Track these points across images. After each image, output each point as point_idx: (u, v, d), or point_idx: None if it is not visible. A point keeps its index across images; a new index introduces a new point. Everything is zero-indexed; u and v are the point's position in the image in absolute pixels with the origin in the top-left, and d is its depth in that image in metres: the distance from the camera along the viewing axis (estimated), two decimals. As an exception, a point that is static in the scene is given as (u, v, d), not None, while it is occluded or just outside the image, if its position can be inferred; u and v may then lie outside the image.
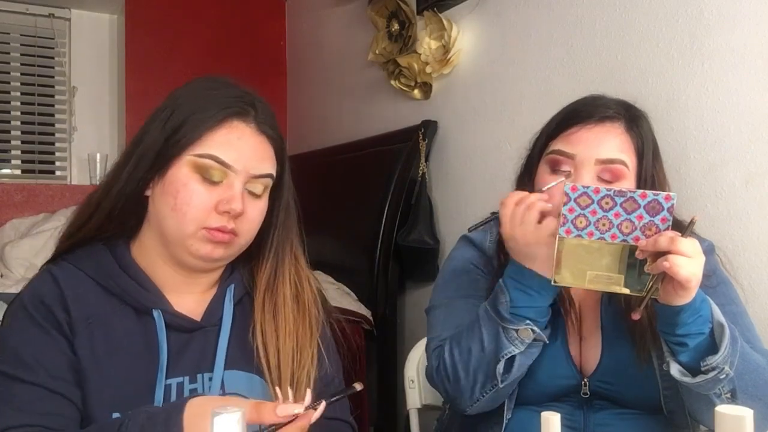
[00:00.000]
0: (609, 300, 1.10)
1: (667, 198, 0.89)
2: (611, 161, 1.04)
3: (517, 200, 1.01)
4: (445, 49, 2.16)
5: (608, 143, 1.05)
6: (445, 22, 2.15)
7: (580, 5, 1.75)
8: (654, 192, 0.90)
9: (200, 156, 0.88)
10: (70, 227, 0.95)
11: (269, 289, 0.98)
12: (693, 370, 0.92)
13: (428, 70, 2.23)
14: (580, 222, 0.92)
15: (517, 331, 1.00)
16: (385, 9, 2.44)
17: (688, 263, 0.85)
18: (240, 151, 0.89)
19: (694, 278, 0.86)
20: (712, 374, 0.89)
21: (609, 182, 1.04)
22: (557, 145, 1.08)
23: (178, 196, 0.88)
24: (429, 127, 2.26)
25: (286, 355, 0.94)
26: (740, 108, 1.38)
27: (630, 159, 1.06)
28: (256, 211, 0.93)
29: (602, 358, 1.07)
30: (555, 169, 1.08)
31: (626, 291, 0.93)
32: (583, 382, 1.07)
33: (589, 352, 1.09)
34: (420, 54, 2.26)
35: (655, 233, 0.89)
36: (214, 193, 0.89)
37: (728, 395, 0.93)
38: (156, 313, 0.90)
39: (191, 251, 0.90)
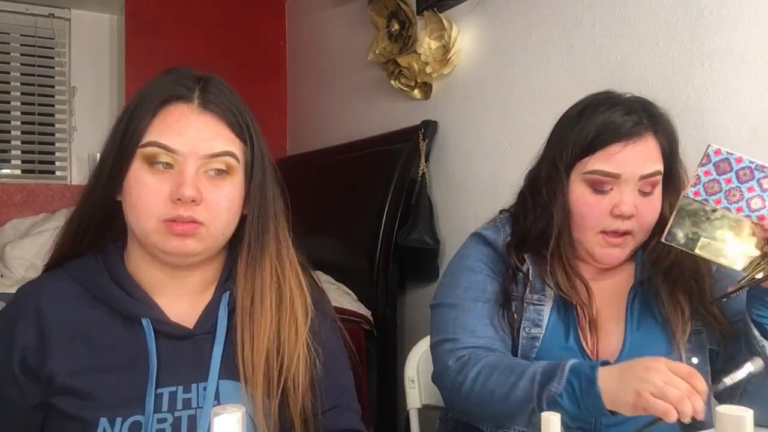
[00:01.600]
0: (635, 294, 1.11)
1: (739, 160, 0.89)
2: (652, 174, 1.07)
3: (694, 386, 0.84)
4: (445, 49, 2.16)
5: (648, 158, 1.07)
6: (445, 22, 2.15)
7: (580, 5, 1.75)
8: None
9: (144, 146, 0.85)
10: (54, 257, 0.94)
11: (247, 281, 0.92)
12: None
13: (428, 70, 2.23)
14: (712, 187, 0.91)
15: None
16: (385, 9, 2.44)
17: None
18: (182, 132, 0.85)
19: None
20: None
21: (648, 193, 1.07)
22: (598, 164, 1.07)
23: (132, 192, 0.86)
24: (429, 127, 2.26)
25: (260, 354, 0.89)
26: (740, 108, 1.39)
27: (662, 165, 1.09)
28: (219, 196, 0.87)
29: (623, 350, 1.07)
30: (597, 189, 1.08)
31: (731, 266, 0.93)
32: None
33: (608, 345, 1.09)
34: (420, 54, 2.26)
35: None
36: (167, 182, 0.85)
37: None
38: (145, 322, 0.88)
39: (159, 247, 0.87)
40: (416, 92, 2.34)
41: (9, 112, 3.14)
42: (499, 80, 2.04)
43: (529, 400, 0.96)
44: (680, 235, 0.94)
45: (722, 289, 1.03)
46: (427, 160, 2.26)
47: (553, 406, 0.94)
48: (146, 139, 0.85)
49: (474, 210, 2.07)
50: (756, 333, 0.96)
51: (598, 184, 1.07)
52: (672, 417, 0.82)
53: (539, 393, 0.95)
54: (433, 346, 1.15)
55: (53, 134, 3.24)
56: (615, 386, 0.88)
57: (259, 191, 0.92)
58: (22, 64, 3.17)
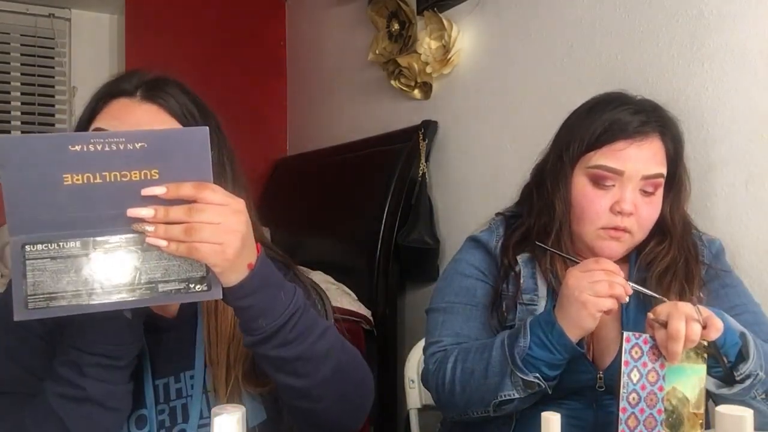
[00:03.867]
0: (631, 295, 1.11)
1: (645, 341, 0.93)
2: (655, 176, 1.07)
3: (607, 269, 0.97)
4: (445, 49, 2.16)
5: (653, 158, 1.08)
6: (445, 22, 2.15)
7: (580, 5, 1.75)
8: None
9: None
10: None
11: None
12: (727, 380, 0.94)
13: (428, 70, 2.23)
14: (652, 376, 0.93)
15: (523, 380, 0.99)
16: (385, 9, 2.44)
17: (686, 328, 0.88)
18: (123, 119, 0.86)
19: (696, 327, 0.89)
20: (748, 382, 0.92)
21: (649, 194, 1.08)
22: (602, 160, 1.08)
23: None
24: (429, 127, 2.26)
25: (225, 338, 0.90)
26: (740, 108, 1.38)
27: (665, 168, 1.10)
28: None
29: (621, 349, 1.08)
30: (599, 184, 1.08)
31: (710, 384, 0.95)
32: (598, 376, 1.08)
33: (606, 345, 1.10)
34: (420, 54, 2.26)
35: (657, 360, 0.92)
36: None
37: (763, 396, 0.96)
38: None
39: None
40: (416, 92, 2.34)
41: (9, 112, 3.13)
42: (499, 80, 2.04)
43: (505, 363, 1.01)
44: None
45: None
46: (427, 160, 2.26)
47: (528, 363, 0.99)
48: (90, 129, 0.87)
49: (474, 210, 2.07)
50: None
51: (601, 179, 1.08)
52: (614, 303, 0.95)
53: (511, 353, 1.00)
54: (423, 350, 1.19)
55: (53, 134, 3.24)
56: (568, 315, 0.97)
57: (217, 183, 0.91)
58: (22, 64, 3.16)
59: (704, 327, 0.89)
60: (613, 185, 1.07)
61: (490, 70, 2.07)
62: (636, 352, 0.92)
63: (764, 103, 1.34)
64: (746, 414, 0.62)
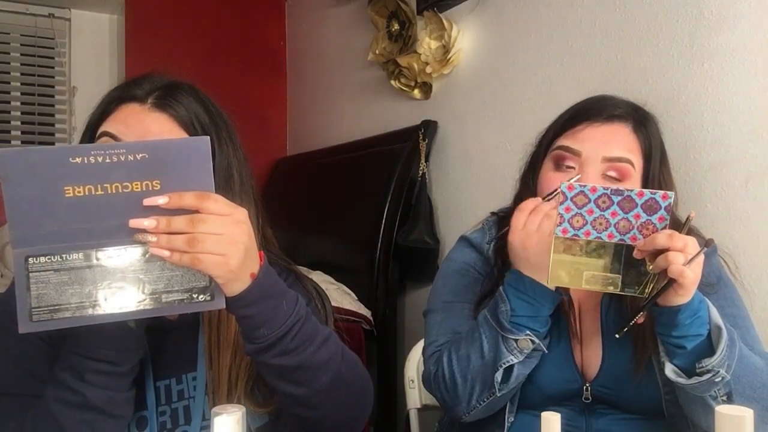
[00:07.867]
0: (609, 303, 1.09)
1: (665, 197, 0.89)
2: (618, 159, 1.04)
3: (532, 208, 0.99)
4: (445, 49, 2.16)
5: (616, 142, 1.05)
6: (445, 22, 2.15)
7: (580, 5, 1.75)
8: (651, 191, 0.90)
9: (97, 138, 0.88)
10: None
11: None
12: (688, 371, 0.92)
13: (428, 70, 2.23)
14: (577, 221, 0.92)
15: (516, 341, 0.99)
16: (385, 9, 2.44)
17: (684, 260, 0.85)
18: (131, 126, 0.86)
19: (692, 275, 0.86)
20: (707, 376, 0.89)
21: (616, 180, 1.04)
22: (563, 141, 1.07)
23: None
24: (429, 127, 2.26)
25: (228, 342, 0.90)
26: (740, 108, 1.38)
27: (636, 159, 1.06)
28: None
29: (603, 362, 1.07)
30: (559, 165, 1.07)
31: (624, 292, 0.92)
32: (584, 387, 1.06)
33: (591, 356, 1.08)
34: (420, 54, 2.26)
35: (653, 232, 0.89)
36: None
37: (724, 398, 0.93)
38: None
39: None
40: (416, 92, 2.34)
41: (9, 112, 3.13)
42: (499, 80, 2.04)
43: (495, 334, 1.01)
44: (563, 274, 0.93)
45: None
46: (427, 160, 2.26)
47: (515, 324, 0.99)
48: (98, 132, 0.88)
49: (474, 210, 2.07)
50: (661, 347, 0.95)
51: (561, 160, 1.07)
52: (549, 221, 0.96)
53: (497, 321, 1.00)
54: (423, 353, 1.17)
55: (53, 134, 3.24)
56: (530, 263, 0.99)
57: (221, 178, 0.89)
58: (22, 64, 3.16)
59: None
60: (573, 167, 1.05)
61: (490, 70, 2.07)
62: (581, 200, 0.91)
63: (764, 103, 1.34)
64: (746, 414, 0.62)
